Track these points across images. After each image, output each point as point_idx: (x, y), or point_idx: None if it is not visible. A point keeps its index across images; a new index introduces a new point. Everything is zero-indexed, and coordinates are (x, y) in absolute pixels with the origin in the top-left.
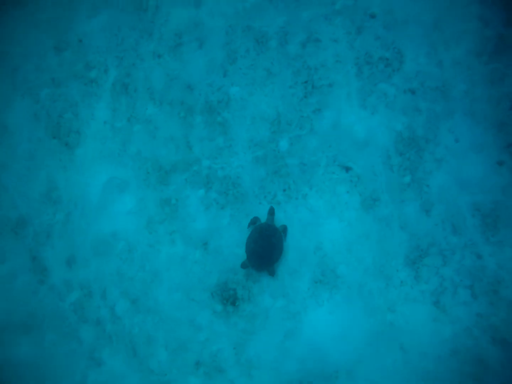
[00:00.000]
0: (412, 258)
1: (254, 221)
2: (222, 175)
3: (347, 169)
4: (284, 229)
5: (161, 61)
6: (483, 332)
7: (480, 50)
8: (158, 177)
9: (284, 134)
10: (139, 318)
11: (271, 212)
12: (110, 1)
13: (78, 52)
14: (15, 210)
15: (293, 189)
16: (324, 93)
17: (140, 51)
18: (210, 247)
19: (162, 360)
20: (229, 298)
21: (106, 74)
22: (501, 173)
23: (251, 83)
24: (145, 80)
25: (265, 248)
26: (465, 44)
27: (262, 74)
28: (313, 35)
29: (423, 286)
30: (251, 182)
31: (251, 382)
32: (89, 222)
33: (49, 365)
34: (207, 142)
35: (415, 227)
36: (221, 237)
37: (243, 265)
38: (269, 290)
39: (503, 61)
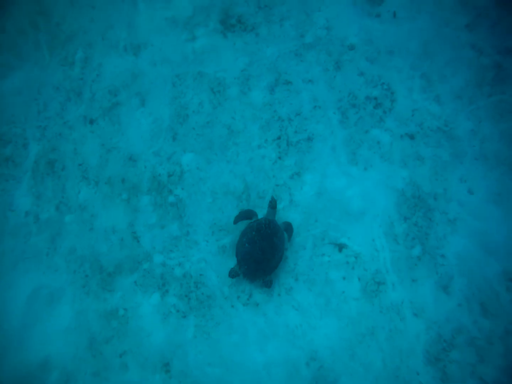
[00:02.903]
0: (434, 353)
1: (246, 215)
2: (180, 273)
3: (341, 247)
4: (288, 226)
5: (94, 127)
6: None
7: (480, 80)
8: (100, 281)
9: (255, 211)
10: None
11: (273, 204)
12: (26, 56)
13: None
14: None
15: (273, 283)
16: (303, 150)
17: (68, 117)
18: (173, 369)
19: None
20: None
21: (25, 150)
22: None
23: (209, 147)
24: (75, 154)
25: (265, 250)
26: (462, 73)
27: (222, 133)
28: (281, 76)
29: None
30: (218, 279)
31: None
32: (8, 348)
33: None
34: (158, 231)
35: (433, 312)
36: (186, 354)
37: (232, 274)
38: None
39: (508, 91)
